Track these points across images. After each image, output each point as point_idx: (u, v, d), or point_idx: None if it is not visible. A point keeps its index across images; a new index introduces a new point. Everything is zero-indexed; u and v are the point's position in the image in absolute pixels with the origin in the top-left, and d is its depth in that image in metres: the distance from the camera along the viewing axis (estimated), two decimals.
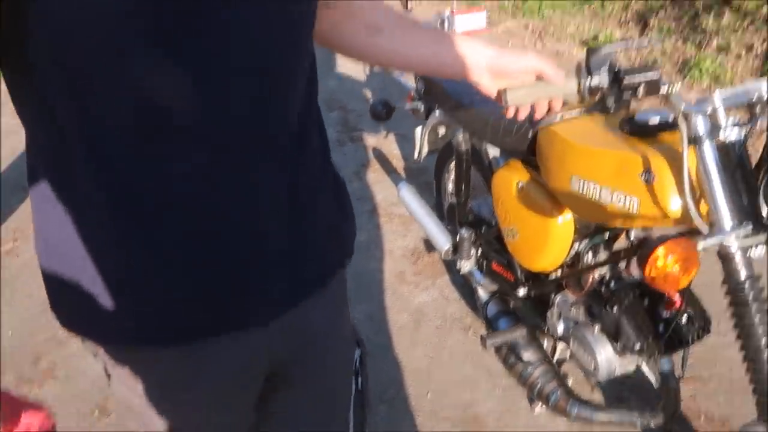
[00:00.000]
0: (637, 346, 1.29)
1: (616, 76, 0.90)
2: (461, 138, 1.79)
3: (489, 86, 0.85)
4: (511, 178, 1.50)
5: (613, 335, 1.34)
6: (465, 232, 1.82)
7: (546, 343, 1.64)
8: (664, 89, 0.92)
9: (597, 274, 1.40)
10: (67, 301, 0.66)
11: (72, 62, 0.50)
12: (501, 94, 0.85)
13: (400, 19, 0.86)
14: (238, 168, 0.60)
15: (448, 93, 1.76)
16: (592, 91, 0.91)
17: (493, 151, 1.73)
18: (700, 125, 0.98)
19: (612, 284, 1.37)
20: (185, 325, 0.65)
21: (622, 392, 1.71)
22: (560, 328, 1.53)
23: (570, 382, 1.58)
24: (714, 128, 0.99)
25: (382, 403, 1.76)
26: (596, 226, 1.41)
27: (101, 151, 0.55)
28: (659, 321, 1.27)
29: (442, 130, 2.00)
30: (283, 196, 0.66)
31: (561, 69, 0.85)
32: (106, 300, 0.62)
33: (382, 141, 3.29)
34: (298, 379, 0.82)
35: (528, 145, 1.46)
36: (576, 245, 1.43)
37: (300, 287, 0.72)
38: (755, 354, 0.97)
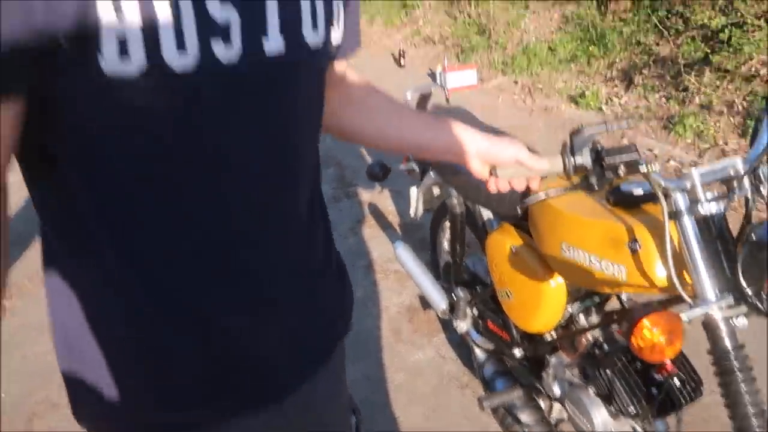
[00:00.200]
0: (631, 410, 1.31)
1: (597, 157, 0.95)
2: (455, 201, 1.85)
3: (479, 170, 0.92)
4: (505, 242, 1.56)
5: (608, 398, 1.36)
6: (461, 292, 1.85)
7: (543, 404, 1.66)
8: (642, 168, 0.98)
9: (590, 336, 1.43)
10: (88, 401, 0.68)
11: (99, 163, 0.56)
12: (492, 170, 0.92)
13: (396, 105, 0.92)
14: (259, 246, 0.65)
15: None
16: (577, 170, 0.95)
17: (486, 213, 1.79)
18: (680, 201, 1.04)
19: (605, 346, 1.40)
20: (208, 410, 0.67)
21: None
22: (556, 390, 1.55)
23: None
24: (693, 203, 1.04)
25: None
26: (587, 289, 1.45)
27: (124, 240, 0.59)
28: (652, 384, 1.30)
29: (436, 190, 2.06)
30: (299, 271, 0.70)
31: (541, 157, 0.91)
32: (128, 396, 0.65)
33: (377, 197, 3.35)
34: None
35: (520, 211, 1.52)
36: (569, 307, 1.47)
37: (311, 361, 0.76)
38: (743, 421, 0.99)
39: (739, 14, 3.94)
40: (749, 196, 1.02)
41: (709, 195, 1.04)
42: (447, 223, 2.06)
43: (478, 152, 0.89)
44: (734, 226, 1.05)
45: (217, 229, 0.62)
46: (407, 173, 2.14)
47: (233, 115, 0.58)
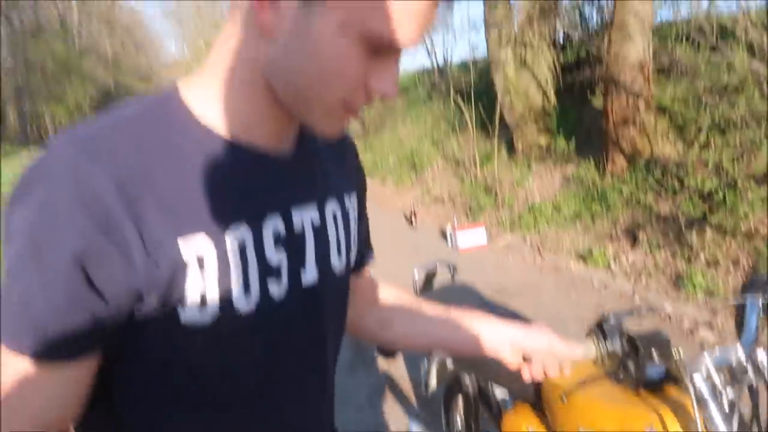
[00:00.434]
0: None
1: (632, 344, 0.97)
2: (468, 380, 1.86)
3: (512, 360, 0.90)
4: (521, 424, 1.54)
5: None
6: None
7: None
8: (675, 354, 0.98)
9: None
10: None
11: (153, 392, 0.62)
12: (527, 358, 0.90)
13: (423, 307, 0.93)
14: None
15: None
16: (610, 356, 0.96)
17: (500, 392, 1.79)
18: (703, 388, 1.05)
19: None
20: None
21: None
22: None
23: None
24: (714, 389, 1.06)
25: None
26: None
27: None
28: None
29: (449, 364, 2.08)
30: None
31: (572, 343, 0.92)
32: None
33: (393, 365, 3.34)
34: None
35: (534, 391, 1.53)
36: None
37: None
38: None
39: (729, 176, 4.18)
40: (753, 382, 1.04)
41: (722, 378, 1.06)
42: (460, 399, 2.04)
43: (513, 343, 0.89)
44: None
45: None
46: None
47: (279, 339, 0.66)
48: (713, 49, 4.32)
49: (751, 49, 4.15)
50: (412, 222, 6.74)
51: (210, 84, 0.62)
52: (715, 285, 3.79)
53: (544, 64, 7.43)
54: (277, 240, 0.64)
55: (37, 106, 24.64)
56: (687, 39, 4.73)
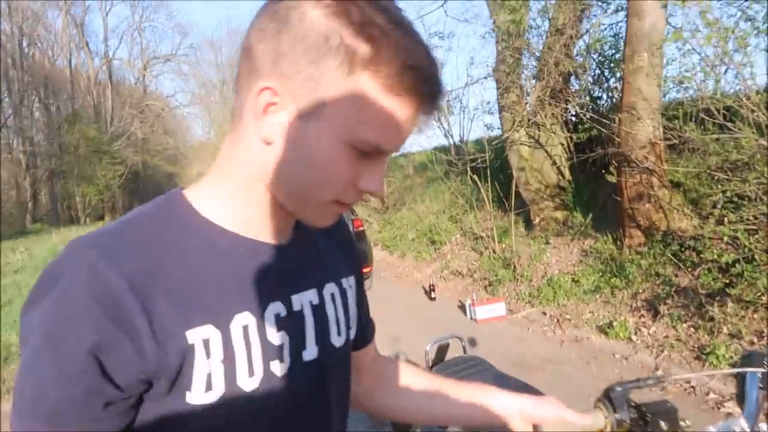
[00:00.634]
0: None
1: (640, 413, 0.97)
2: None
3: (521, 430, 0.91)
4: None
5: None
6: None
7: None
8: (682, 423, 0.98)
9: None
10: None
11: None
12: (536, 429, 0.91)
13: (431, 381, 0.95)
14: None
15: None
16: (619, 424, 0.96)
17: None
18: None
19: None
20: None
21: None
22: None
23: None
24: None
25: None
26: None
27: None
28: None
29: None
30: None
31: (581, 413, 0.95)
32: None
33: None
34: None
35: None
36: None
37: None
38: None
39: (746, 249, 4.23)
40: None
41: None
42: None
43: (522, 414, 0.90)
44: None
45: None
46: None
47: (284, 414, 0.69)
48: (721, 127, 4.49)
49: (758, 127, 4.31)
50: (431, 295, 6.79)
51: (214, 186, 0.69)
52: (739, 357, 3.75)
53: (557, 142, 7.70)
54: (279, 322, 0.68)
55: (68, 186, 25.62)
56: (694, 118, 4.92)
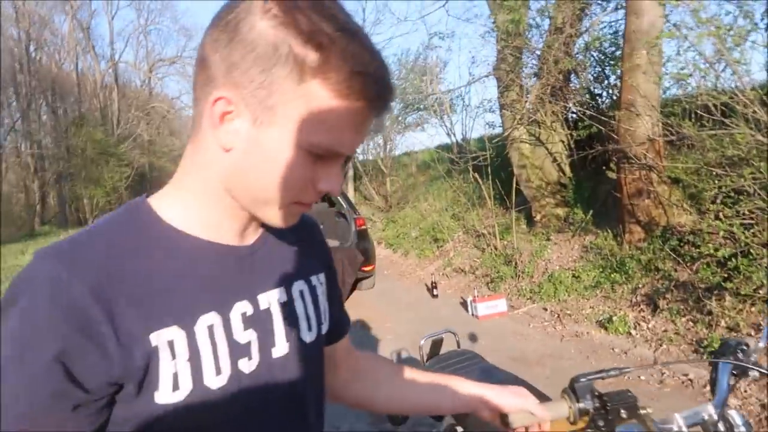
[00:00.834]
0: None
1: (602, 402, 1.02)
2: None
3: (489, 419, 0.98)
4: None
5: None
6: None
7: None
8: (642, 411, 1.03)
9: None
10: None
11: None
12: (503, 419, 0.96)
13: (402, 372, 1.00)
14: None
15: None
16: (581, 414, 1.02)
17: None
18: None
19: None
20: None
21: None
22: None
23: None
24: None
25: None
26: None
27: None
28: None
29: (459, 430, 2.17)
30: None
31: (546, 403, 1.01)
32: None
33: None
34: None
35: None
36: None
37: None
38: None
39: (743, 243, 4.27)
40: None
41: None
42: None
43: (486, 403, 0.95)
44: None
45: None
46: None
47: (254, 408, 0.70)
48: (719, 123, 4.53)
49: (755, 123, 4.35)
50: (433, 293, 6.86)
51: (177, 191, 0.70)
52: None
53: (558, 140, 7.75)
54: (245, 321, 0.70)
55: (76, 188, 25.81)
56: (692, 115, 4.96)
